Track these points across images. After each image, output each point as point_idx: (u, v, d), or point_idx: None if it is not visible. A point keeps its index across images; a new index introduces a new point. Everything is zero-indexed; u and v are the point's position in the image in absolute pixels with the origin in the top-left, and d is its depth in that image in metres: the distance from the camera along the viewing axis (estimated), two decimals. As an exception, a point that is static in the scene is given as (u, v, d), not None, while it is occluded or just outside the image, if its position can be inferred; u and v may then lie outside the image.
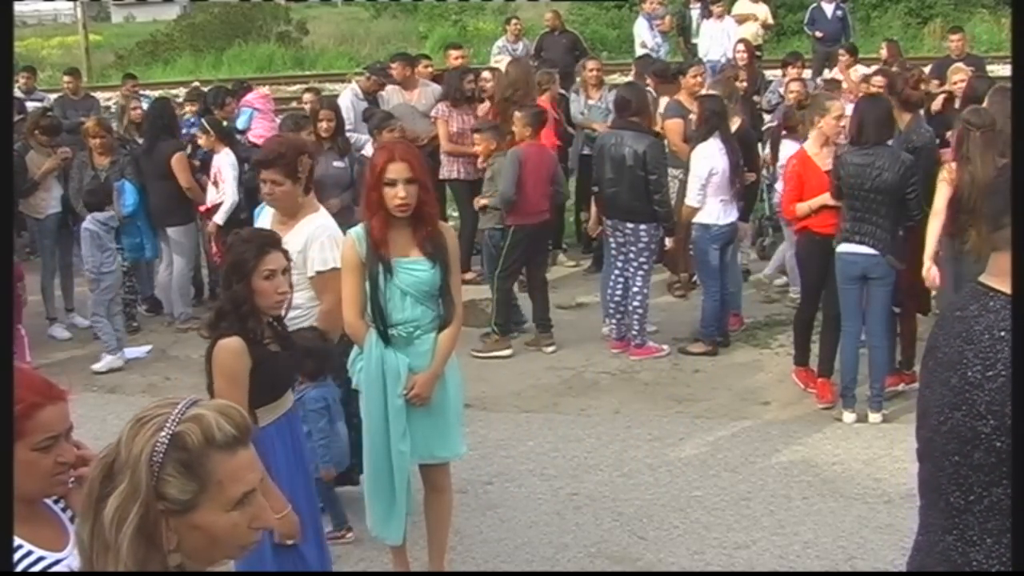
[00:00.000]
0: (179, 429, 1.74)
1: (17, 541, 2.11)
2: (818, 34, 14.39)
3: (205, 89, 11.34)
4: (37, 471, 2.15)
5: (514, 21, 13.64)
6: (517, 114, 7.87)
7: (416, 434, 4.35)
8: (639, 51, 13.66)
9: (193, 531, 1.76)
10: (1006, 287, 2.24)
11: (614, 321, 7.74)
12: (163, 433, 1.74)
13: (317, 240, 4.63)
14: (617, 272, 7.59)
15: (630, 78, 11.14)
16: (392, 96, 9.72)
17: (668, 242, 7.67)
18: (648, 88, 9.03)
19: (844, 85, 10.14)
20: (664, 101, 9.11)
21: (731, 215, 7.47)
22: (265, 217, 4.97)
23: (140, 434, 1.75)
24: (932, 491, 2.36)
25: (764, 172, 9.30)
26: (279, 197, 4.70)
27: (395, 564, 4.66)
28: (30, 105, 11.47)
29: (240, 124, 9.80)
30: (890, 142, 6.34)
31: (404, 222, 4.20)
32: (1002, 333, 2.18)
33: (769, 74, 12.29)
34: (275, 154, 4.65)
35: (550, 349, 7.77)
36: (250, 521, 1.80)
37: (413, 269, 4.22)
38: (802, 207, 6.53)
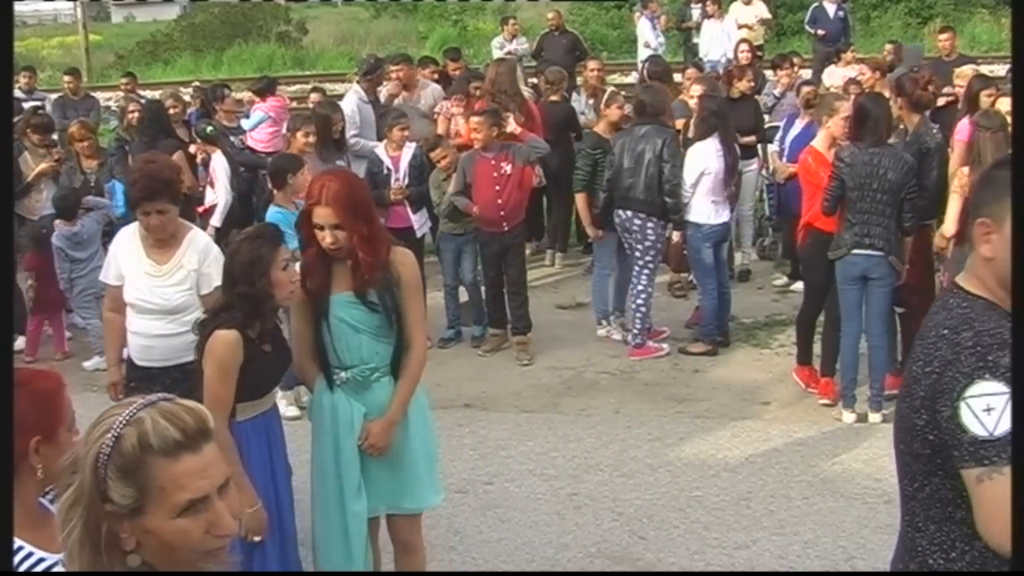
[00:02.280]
0: (122, 432, 1.68)
1: (18, 543, 2.11)
2: (820, 32, 14.37)
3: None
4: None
5: (512, 21, 13.70)
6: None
7: (378, 484, 3.99)
8: (642, 51, 13.69)
9: (146, 535, 1.70)
10: (968, 284, 2.26)
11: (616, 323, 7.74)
12: (109, 435, 1.68)
13: (210, 255, 4.53)
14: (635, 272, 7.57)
15: (631, 79, 11.18)
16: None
17: (675, 235, 7.64)
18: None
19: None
20: None
21: (723, 215, 7.49)
22: (128, 242, 4.62)
23: (92, 434, 1.70)
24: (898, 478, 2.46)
25: (763, 172, 9.30)
26: (168, 224, 4.48)
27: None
28: (29, 105, 11.47)
29: (246, 124, 9.79)
30: (892, 141, 6.33)
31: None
32: (944, 331, 2.21)
33: (770, 74, 12.28)
34: (163, 182, 4.41)
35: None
36: (207, 528, 1.71)
37: (358, 304, 3.85)
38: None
